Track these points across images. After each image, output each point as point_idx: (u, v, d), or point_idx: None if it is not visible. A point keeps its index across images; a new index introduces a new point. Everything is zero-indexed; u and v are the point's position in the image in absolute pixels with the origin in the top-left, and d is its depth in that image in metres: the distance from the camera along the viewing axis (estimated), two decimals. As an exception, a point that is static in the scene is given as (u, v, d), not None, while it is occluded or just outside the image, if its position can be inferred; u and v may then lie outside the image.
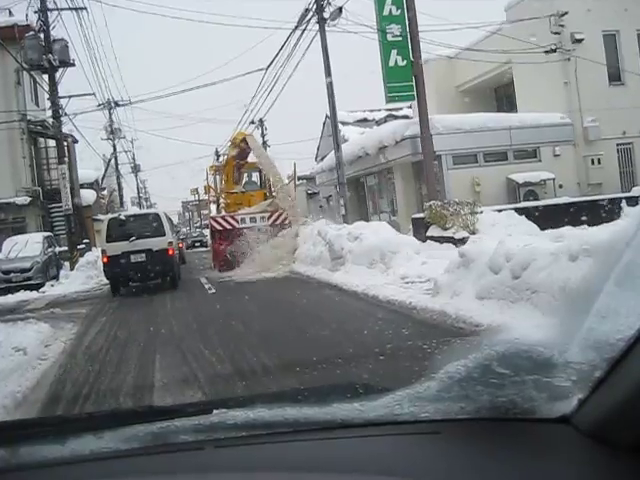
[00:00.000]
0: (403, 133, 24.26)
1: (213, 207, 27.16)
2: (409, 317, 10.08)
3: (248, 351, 8.52)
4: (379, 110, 45.04)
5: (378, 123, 39.83)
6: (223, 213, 24.08)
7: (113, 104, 46.67)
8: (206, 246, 55.94)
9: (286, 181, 24.44)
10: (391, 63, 22.51)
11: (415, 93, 22.47)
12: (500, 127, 24.59)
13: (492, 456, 1.38)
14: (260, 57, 30.25)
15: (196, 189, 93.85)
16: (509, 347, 1.46)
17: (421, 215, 21.12)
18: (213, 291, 17.51)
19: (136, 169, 71.58)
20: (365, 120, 44.76)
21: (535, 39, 24.34)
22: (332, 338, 8.89)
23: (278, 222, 21.95)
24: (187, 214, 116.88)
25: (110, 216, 21.20)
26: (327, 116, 47.02)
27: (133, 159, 69.25)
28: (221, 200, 25.37)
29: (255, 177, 27.01)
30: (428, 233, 19.73)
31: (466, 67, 31.16)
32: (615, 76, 26.45)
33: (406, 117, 33.20)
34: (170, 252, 19.14)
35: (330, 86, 24.06)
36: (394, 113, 42.95)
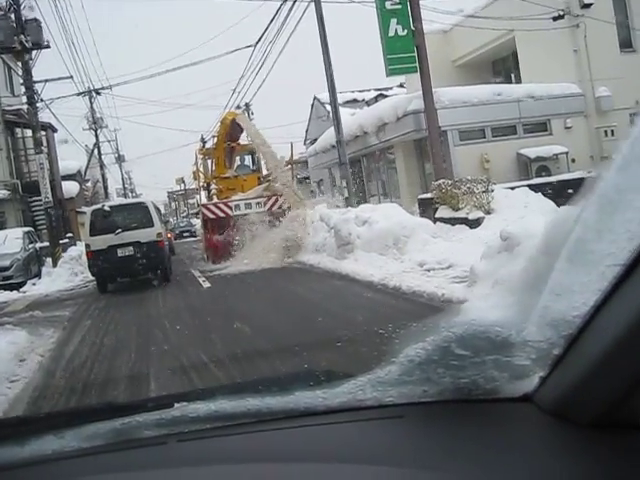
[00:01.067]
0: (406, 108, 22.65)
1: (203, 194, 25.33)
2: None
3: (265, 366, 6.98)
4: (369, 90, 44.21)
5: (368, 104, 38.50)
6: (215, 200, 22.36)
7: (93, 92, 45.28)
8: (195, 236, 54.79)
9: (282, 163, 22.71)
10: (391, 33, 20.94)
11: (417, 65, 20.90)
12: (509, 99, 23.02)
13: (456, 437, 1.37)
14: (248, 33, 28.62)
15: (182, 178, 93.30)
16: (467, 328, 1.39)
17: (428, 195, 19.67)
18: (208, 285, 15.96)
19: (120, 159, 69.93)
20: (355, 101, 43.60)
21: (540, 5, 22.79)
22: (366, 346, 7.31)
23: (275, 208, 20.33)
24: (173, 204, 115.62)
25: (94, 207, 19.55)
26: (315, 98, 46.02)
27: (117, 149, 67.69)
28: (212, 186, 23.52)
29: (248, 160, 25.34)
30: (437, 214, 18.29)
31: (462, 40, 29.86)
32: (626, 43, 24.99)
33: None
34: (160, 244, 17.77)
35: (326, 53, 22.25)
36: (385, 93, 41.72)
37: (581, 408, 1.24)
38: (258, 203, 20.42)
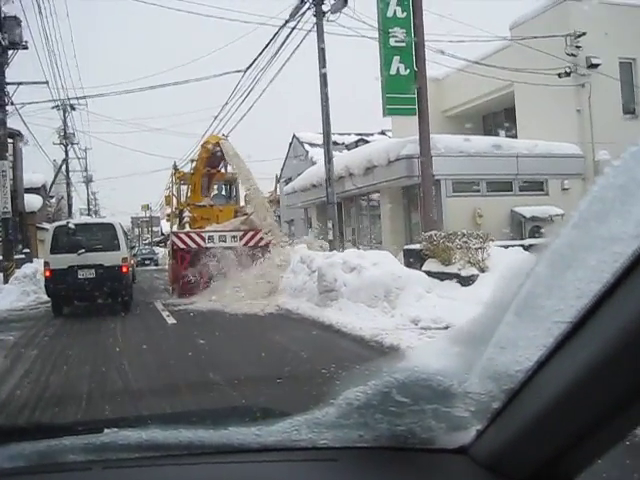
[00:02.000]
0: (399, 152, 21.39)
1: (164, 223, 23.60)
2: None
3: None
4: (349, 134, 43.04)
5: (348, 147, 37.65)
6: (187, 229, 20.56)
7: (68, 105, 43.93)
8: (157, 264, 53.49)
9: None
10: (392, 71, 19.71)
11: (417, 107, 19.73)
12: (507, 154, 21.85)
13: None
14: (234, 58, 27.35)
15: (147, 205, 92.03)
16: (409, 375, 1.38)
17: (416, 246, 18.41)
18: (173, 322, 14.41)
19: (88, 179, 68.15)
20: (335, 143, 42.27)
21: (550, 56, 21.91)
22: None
23: (252, 243, 18.86)
24: (137, 230, 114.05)
25: (57, 224, 18.20)
26: (295, 136, 44.89)
27: (85, 169, 65.92)
28: (185, 214, 21.56)
29: (225, 190, 23.67)
30: (424, 267, 17.00)
31: (455, 91, 29.11)
32: (630, 108, 24.13)
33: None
34: (124, 269, 16.57)
35: (324, 84, 20.87)
36: (365, 138, 40.90)
37: (516, 463, 1.24)
38: (234, 237, 18.87)
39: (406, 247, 19.55)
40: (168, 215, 24.52)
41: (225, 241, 18.74)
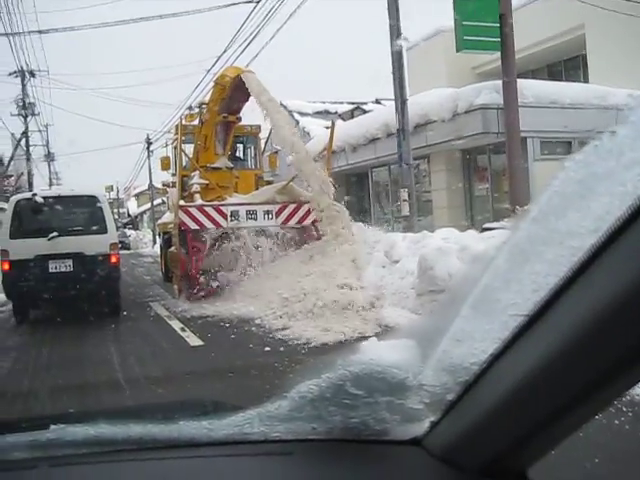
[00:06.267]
0: (472, 101, 16.56)
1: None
2: None
3: None
4: (341, 103, 39.46)
5: (343, 117, 33.52)
6: (199, 201, 14.08)
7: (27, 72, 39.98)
8: (129, 248, 49.25)
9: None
10: (467, -8, 14.87)
11: (500, 40, 14.84)
12: (605, 105, 17.18)
13: (342, 478, 1.37)
14: None
15: (111, 186, 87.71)
16: (363, 368, 1.36)
17: (501, 224, 13.73)
18: (197, 343, 9.45)
19: (50, 156, 62.94)
20: (327, 112, 39.05)
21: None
22: None
23: (293, 222, 13.42)
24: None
25: (19, 197, 13.61)
26: (281, 105, 40.23)
27: (47, 143, 60.65)
28: (194, 180, 14.88)
29: (240, 149, 18.01)
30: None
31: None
32: None
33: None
34: (113, 260, 12.83)
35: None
36: (361, 107, 37.16)
37: (469, 455, 1.24)
38: (267, 212, 13.32)
39: (487, 225, 14.89)
40: (167, 185, 18.89)
41: (255, 219, 13.13)
